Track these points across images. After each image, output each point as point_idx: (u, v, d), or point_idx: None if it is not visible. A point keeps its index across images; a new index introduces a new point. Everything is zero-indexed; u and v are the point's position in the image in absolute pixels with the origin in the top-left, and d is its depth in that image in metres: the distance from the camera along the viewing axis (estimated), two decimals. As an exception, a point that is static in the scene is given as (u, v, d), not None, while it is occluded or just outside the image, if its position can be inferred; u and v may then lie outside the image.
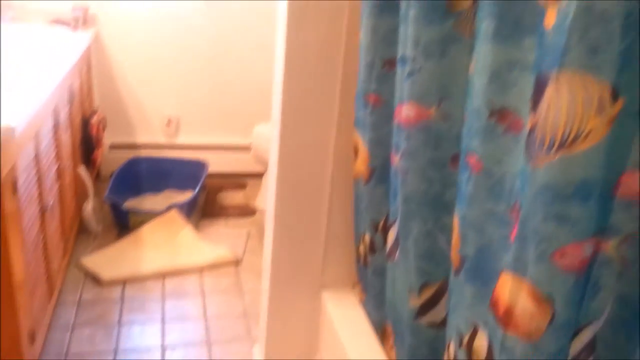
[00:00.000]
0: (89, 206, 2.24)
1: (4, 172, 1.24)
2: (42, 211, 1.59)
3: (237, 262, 2.15)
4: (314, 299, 1.47)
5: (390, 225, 1.12)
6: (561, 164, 0.65)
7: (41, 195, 1.58)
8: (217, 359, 1.63)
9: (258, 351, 1.59)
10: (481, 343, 0.85)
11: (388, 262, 1.16)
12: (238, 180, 2.86)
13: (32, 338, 1.44)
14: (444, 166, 0.95)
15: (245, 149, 2.83)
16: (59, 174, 1.84)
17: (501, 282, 0.78)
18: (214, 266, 2.11)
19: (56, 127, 1.78)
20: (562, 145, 0.64)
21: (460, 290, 0.88)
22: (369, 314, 1.34)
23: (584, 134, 0.62)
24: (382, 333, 1.29)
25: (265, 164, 2.31)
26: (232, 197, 2.72)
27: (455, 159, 0.94)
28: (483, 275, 0.83)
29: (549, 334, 0.74)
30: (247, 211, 2.58)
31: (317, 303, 1.47)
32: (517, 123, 0.73)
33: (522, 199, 0.72)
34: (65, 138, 1.96)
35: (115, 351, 1.63)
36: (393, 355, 1.20)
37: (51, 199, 1.70)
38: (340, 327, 1.33)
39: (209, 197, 2.66)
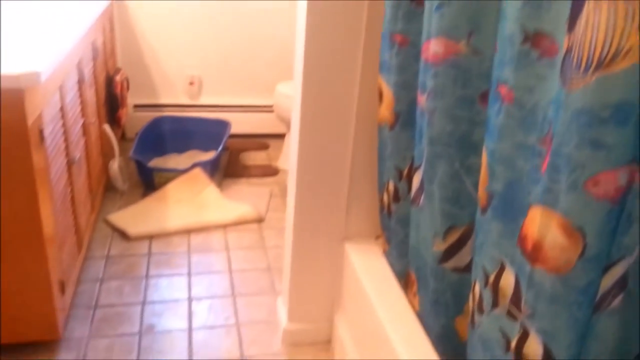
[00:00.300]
0: (115, 164, 2.27)
1: (31, 120, 1.26)
2: (69, 164, 1.61)
3: (260, 220, 2.17)
4: (337, 250, 1.47)
5: (416, 170, 1.10)
6: (598, 85, 0.62)
7: (68, 148, 1.60)
8: (242, 310, 1.65)
9: (282, 303, 1.61)
10: (507, 281, 0.83)
11: (412, 207, 1.14)
12: (260, 141, 2.86)
13: (62, 288, 1.48)
14: (472, 104, 0.92)
15: (268, 109, 2.82)
16: (85, 130, 1.86)
17: (530, 216, 0.76)
18: (238, 223, 2.13)
19: (81, 82, 1.80)
20: (599, 65, 0.61)
21: (487, 229, 0.86)
22: (392, 264, 1.34)
23: (623, 51, 0.59)
24: (405, 282, 1.28)
25: (287, 122, 2.30)
26: (254, 158, 2.72)
27: (484, 96, 0.91)
28: (511, 211, 0.81)
29: (579, 268, 0.72)
30: (269, 171, 2.58)
31: (340, 254, 1.47)
32: (552, 47, 0.70)
33: (556, 126, 0.69)
34: (90, 94, 1.97)
35: (143, 302, 1.67)
36: (416, 302, 1.20)
37: (78, 153, 1.72)
38: (363, 277, 1.33)
39: (231, 157, 2.67)
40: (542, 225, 0.73)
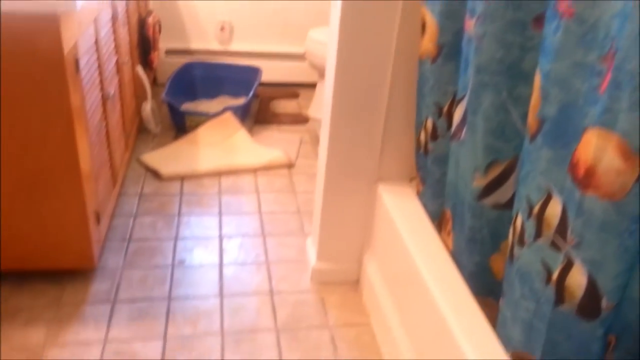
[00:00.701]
0: (147, 107, 2.28)
1: (67, 48, 1.25)
2: (104, 99, 1.62)
3: (290, 165, 2.16)
4: (370, 192, 1.45)
5: (458, 102, 1.07)
6: (674, -11, 0.57)
7: (102, 83, 1.60)
8: (272, 249, 1.67)
9: (312, 243, 1.61)
10: (554, 210, 0.81)
11: (452, 142, 1.11)
12: (291, 90, 2.83)
13: (97, 219, 1.51)
14: (525, 28, 0.88)
15: (299, 57, 2.77)
16: (118, 68, 1.85)
17: (584, 140, 0.73)
18: (268, 167, 2.12)
19: (114, 19, 1.78)
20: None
21: (535, 157, 0.83)
22: (426, 205, 1.32)
23: None
24: (439, 221, 1.26)
25: (319, 69, 2.25)
26: (284, 106, 2.70)
27: (538, 19, 0.86)
28: (563, 136, 0.77)
29: (634, 193, 0.69)
30: (299, 119, 2.56)
31: (373, 195, 1.45)
32: (622, -48, 0.65)
33: (619, 40, 0.65)
34: (123, 34, 1.96)
35: (176, 238, 1.69)
36: (450, 241, 1.18)
37: (112, 89, 1.72)
38: (396, 217, 1.32)
39: (261, 105, 2.65)
40: (597, 148, 0.70)
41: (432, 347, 1.09)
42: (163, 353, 1.27)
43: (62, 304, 1.40)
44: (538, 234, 0.84)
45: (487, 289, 1.09)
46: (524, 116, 0.93)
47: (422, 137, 1.28)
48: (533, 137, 0.83)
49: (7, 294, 1.41)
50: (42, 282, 1.45)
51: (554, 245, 0.81)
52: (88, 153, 1.43)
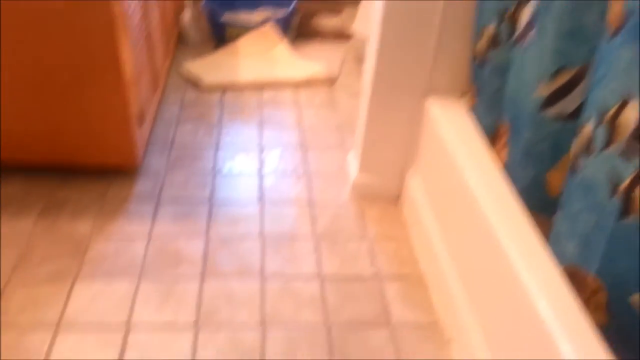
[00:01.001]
0: (186, 15, 2.22)
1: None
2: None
3: (332, 81, 2.10)
4: (417, 105, 1.40)
5: (525, 3, 0.98)
6: None
7: (143, -19, 1.55)
8: (312, 162, 1.65)
9: (353, 157, 1.58)
10: (629, 115, 0.75)
11: (515, 48, 1.04)
12: (333, 6, 2.70)
13: (141, 119, 1.51)
14: None
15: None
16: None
17: (679, 34, 0.66)
18: (309, 82, 2.07)
19: None
20: None
21: (614, 57, 0.76)
22: (480, 119, 1.26)
23: None
24: (493, 135, 1.21)
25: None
26: (327, 22, 2.59)
27: None
28: (652, 31, 0.70)
29: None
30: (342, 36, 2.46)
31: (420, 109, 1.40)
32: None
33: None
34: None
35: (217, 144, 1.69)
36: (504, 155, 1.14)
37: (152, -10, 1.67)
38: (444, 131, 1.27)
39: (303, 20, 2.55)
40: (694, 42, 0.63)
41: (476, 260, 1.08)
42: (205, 251, 1.30)
43: (108, 200, 1.43)
44: (609, 141, 0.78)
45: (540, 205, 1.05)
46: (600, 17, 0.85)
47: (481, 45, 1.20)
48: (614, 35, 0.76)
49: (55, 186, 1.45)
50: (88, 179, 1.48)
51: (626, 153, 0.76)
52: (129, 53, 1.40)
